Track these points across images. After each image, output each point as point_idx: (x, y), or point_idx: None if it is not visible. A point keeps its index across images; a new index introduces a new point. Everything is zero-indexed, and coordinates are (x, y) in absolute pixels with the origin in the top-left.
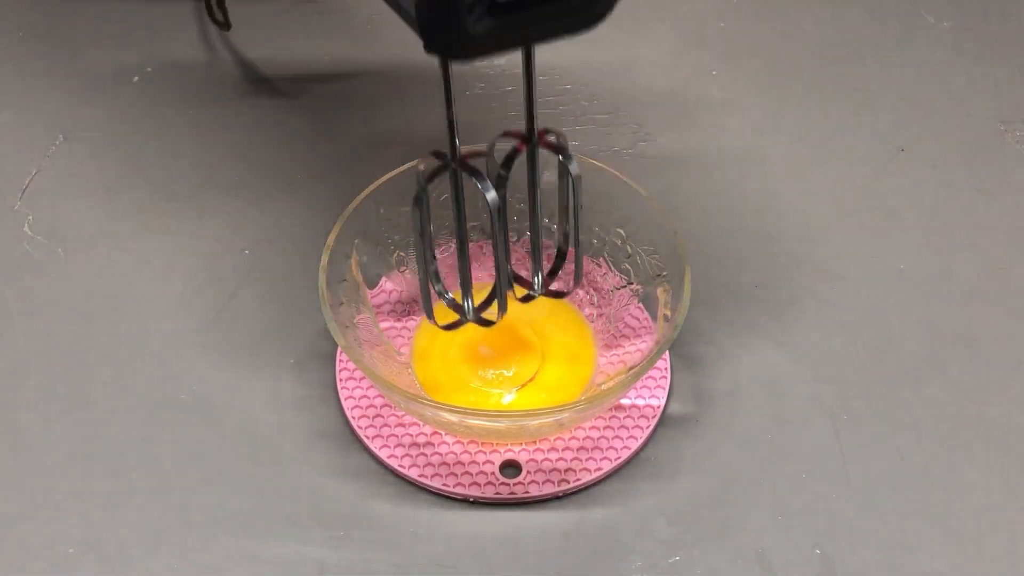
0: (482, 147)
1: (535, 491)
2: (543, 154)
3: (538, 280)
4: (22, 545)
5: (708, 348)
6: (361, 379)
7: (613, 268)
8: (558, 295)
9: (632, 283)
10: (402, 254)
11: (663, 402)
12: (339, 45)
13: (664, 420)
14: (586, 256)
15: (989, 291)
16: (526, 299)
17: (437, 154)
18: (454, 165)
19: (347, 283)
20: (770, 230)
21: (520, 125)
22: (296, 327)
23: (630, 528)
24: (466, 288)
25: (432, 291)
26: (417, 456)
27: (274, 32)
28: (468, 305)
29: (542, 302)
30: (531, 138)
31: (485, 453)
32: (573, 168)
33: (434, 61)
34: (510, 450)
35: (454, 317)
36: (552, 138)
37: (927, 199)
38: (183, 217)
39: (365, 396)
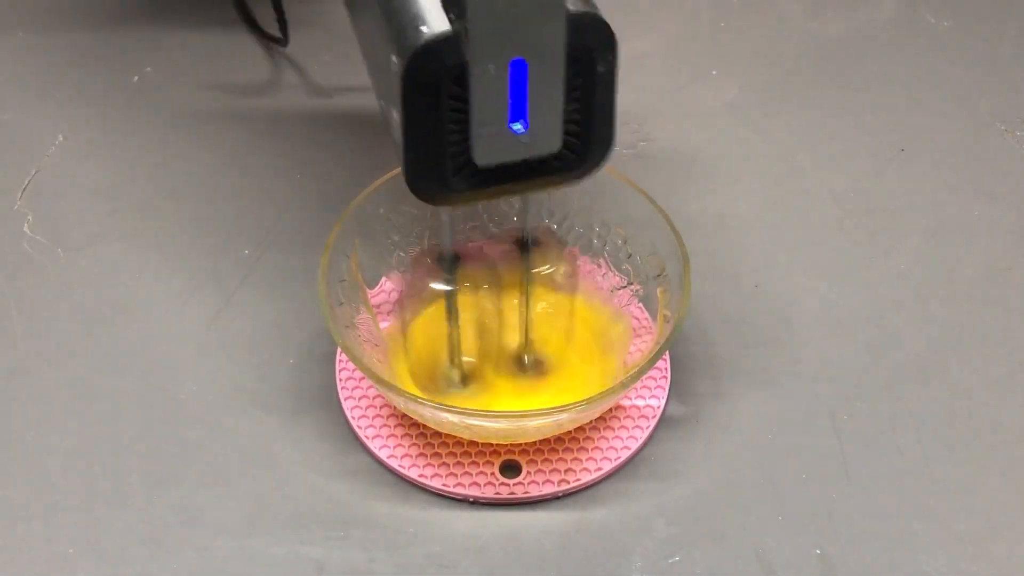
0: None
1: (535, 491)
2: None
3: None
4: (22, 545)
5: (708, 348)
6: (361, 379)
7: (613, 268)
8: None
9: (632, 283)
10: (402, 254)
11: (663, 402)
12: (339, 44)
13: (664, 420)
14: (586, 256)
15: (989, 291)
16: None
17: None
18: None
19: (346, 283)
20: (770, 230)
21: None
22: (296, 327)
23: (630, 528)
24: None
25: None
26: (417, 456)
27: (274, 31)
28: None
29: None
30: (525, 245)
31: (485, 453)
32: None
33: None
34: (510, 450)
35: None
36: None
37: (927, 199)
38: (183, 217)
39: (365, 396)
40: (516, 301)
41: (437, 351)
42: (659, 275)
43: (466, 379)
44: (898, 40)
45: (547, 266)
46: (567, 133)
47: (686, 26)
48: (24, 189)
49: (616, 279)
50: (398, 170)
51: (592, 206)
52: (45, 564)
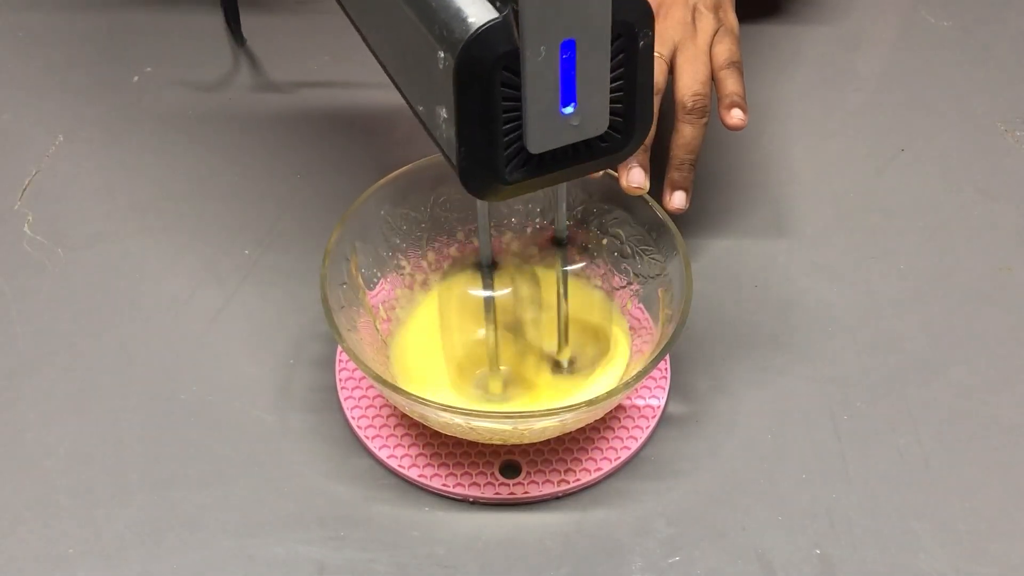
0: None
1: (535, 491)
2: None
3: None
4: (22, 545)
5: (708, 348)
6: (361, 379)
7: (613, 268)
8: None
9: (632, 283)
10: (401, 256)
11: (663, 402)
12: (340, 45)
13: (664, 420)
14: (585, 257)
15: (989, 291)
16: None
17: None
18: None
19: (347, 286)
20: (770, 230)
21: None
22: (296, 328)
23: (630, 528)
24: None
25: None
26: (417, 456)
27: (275, 32)
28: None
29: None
30: (561, 243)
31: (485, 454)
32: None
33: None
34: (510, 451)
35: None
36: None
37: (927, 199)
38: (183, 217)
39: (365, 396)
40: (552, 302)
41: (472, 350)
42: (659, 275)
43: (506, 385)
44: (898, 40)
45: (581, 263)
46: (611, 114)
47: None
48: (24, 189)
49: (616, 279)
50: (398, 172)
51: (592, 206)
52: (45, 564)
